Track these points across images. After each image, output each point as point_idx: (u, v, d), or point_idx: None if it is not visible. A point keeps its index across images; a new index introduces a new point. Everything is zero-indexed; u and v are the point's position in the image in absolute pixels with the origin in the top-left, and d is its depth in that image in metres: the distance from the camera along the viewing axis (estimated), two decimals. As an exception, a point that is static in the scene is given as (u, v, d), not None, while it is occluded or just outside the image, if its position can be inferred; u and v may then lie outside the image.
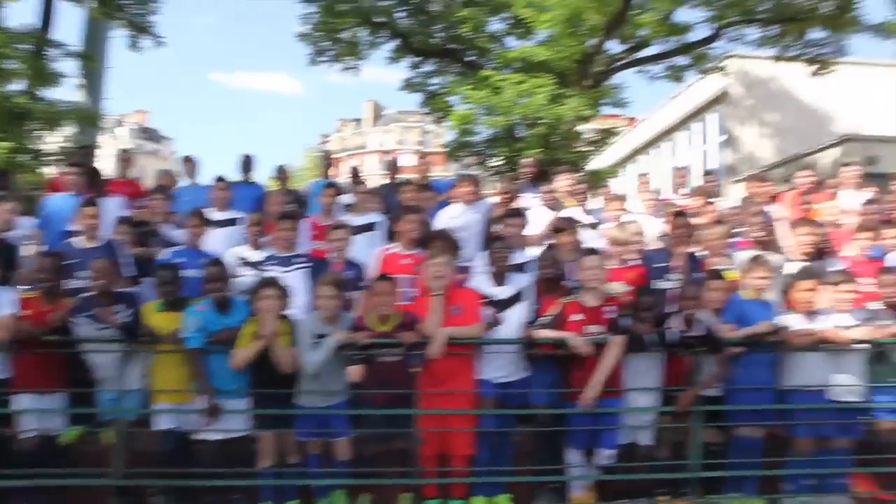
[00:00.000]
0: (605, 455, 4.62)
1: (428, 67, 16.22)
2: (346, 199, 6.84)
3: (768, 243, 5.55)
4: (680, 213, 5.59)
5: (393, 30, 14.61)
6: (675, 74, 15.17)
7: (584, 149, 14.61)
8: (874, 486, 5.12)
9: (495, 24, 15.06)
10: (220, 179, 6.59)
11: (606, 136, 15.02)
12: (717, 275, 4.91)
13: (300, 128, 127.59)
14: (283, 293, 4.53)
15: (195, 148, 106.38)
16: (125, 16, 12.18)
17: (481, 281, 4.87)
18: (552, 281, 4.86)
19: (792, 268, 5.43)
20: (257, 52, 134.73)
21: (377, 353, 4.50)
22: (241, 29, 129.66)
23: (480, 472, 4.62)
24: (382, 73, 71.04)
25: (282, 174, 7.64)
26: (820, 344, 4.72)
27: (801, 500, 4.86)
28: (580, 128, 14.99)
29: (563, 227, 5.35)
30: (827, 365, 4.81)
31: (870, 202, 6.82)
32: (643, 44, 14.31)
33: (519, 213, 5.51)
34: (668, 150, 22.63)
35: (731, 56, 17.98)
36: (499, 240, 4.96)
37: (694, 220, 6.29)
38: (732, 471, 4.75)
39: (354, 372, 4.61)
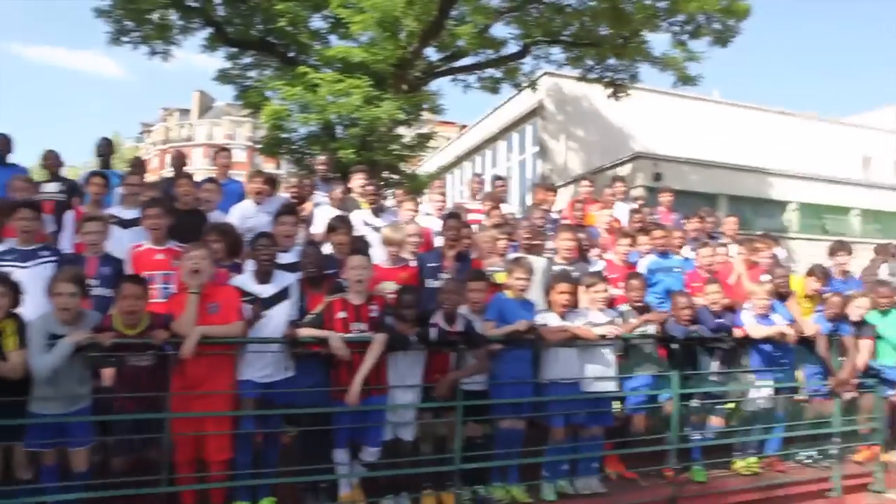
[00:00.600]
0: (370, 452, 4.62)
1: (247, 60, 15.60)
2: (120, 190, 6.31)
3: (535, 247, 5.90)
4: (451, 216, 5.78)
5: (206, 17, 13.82)
6: (492, 86, 15.82)
7: (403, 152, 14.74)
8: (622, 466, 5.67)
9: (317, 22, 14.81)
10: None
11: (425, 140, 15.28)
12: (479, 275, 5.13)
13: (118, 114, 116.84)
14: (9, 290, 4.03)
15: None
16: None
17: (244, 279, 4.69)
18: (317, 279, 4.81)
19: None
20: (69, 26, 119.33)
21: (125, 355, 4.15)
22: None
23: (241, 475, 4.44)
24: (216, 63, 67.23)
25: (49, 160, 6.87)
26: (572, 340, 5.10)
27: (559, 484, 5.23)
28: (401, 131, 15.18)
29: (336, 226, 5.32)
30: (580, 359, 5.22)
31: (634, 212, 7.57)
32: (460, 54, 14.80)
33: (290, 211, 5.38)
34: (490, 158, 23.70)
35: (546, 73, 19.30)
36: (264, 237, 4.78)
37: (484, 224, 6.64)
38: (495, 462, 4.99)
39: (107, 375, 4.24)
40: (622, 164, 17.16)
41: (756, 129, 22.13)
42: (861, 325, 6.34)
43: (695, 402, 5.71)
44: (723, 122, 21.79)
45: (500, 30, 15.22)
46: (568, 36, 14.40)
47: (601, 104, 18.76)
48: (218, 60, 35.09)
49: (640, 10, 12.68)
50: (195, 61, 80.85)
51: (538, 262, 5.62)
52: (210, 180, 6.20)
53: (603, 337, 5.16)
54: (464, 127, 29.17)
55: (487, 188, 8.41)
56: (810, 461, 6.33)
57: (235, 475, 4.39)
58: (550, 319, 5.11)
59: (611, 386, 5.31)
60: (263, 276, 4.68)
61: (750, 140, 21.30)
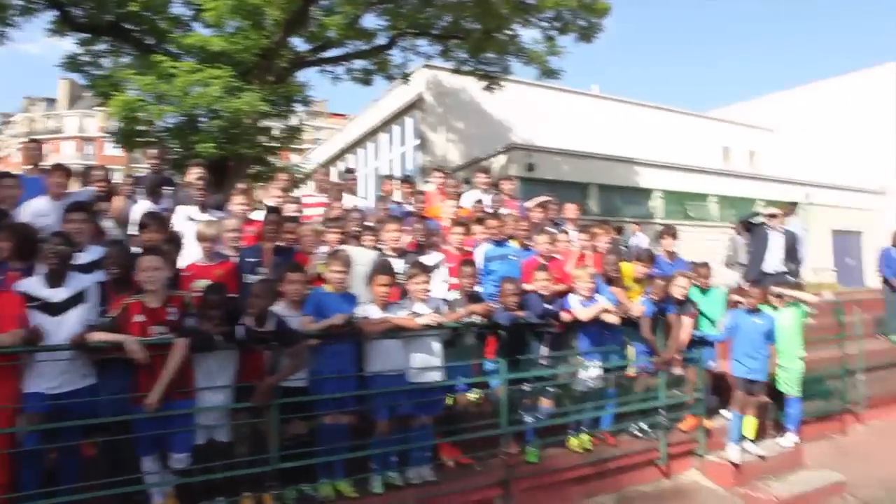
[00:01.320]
0: (178, 459, 4.40)
1: (101, 46, 14.57)
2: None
3: (361, 238, 5.85)
4: (271, 210, 5.62)
5: (47, -2, 12.78)
6: (364, 78, 15.63)
7: (272, 145, 14.31)
8: (457, 452, 5.74)
9: (179, 8, 14.04)
10: None
11: (296, 132, 14.90)
12: (296, 267, 5.01)
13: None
14: None
15: None
16: None
17: (33, 283, 4.33)
18: (121, 281, 4.52)
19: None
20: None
21: None
22: None
23: (28, 497, 4.10)
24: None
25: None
26: (394, 331, 5.09)
27: (388, 476, 5.22)
28: (271, 123, 14.74)
29: (146, 223, 5.04)
30: (405, 350, 5.22)
31: (477, 202, 7.70)
32: (329, 45, 14.51)
33: (82, 208, 5.03)
34: (372, 150, 23.54)
35: (425, 66, 19.34)
36: (55, 236, 4.42)
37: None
38: (320, 458, 4.90)
39: None
40: (497, 155, 17.52)
41: (627, 121, 23.29)
42: (684, 304, 6.76)
43: (526, 387, 5.87)
44: (598, 115, 22.77)
45: (368, 21, 15.01)
46: (435, 28, 14.43)
47: (480, 97, 19.02)
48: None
49: (504, 6, 12.89)
50: (65, 47, 75.11)
51: (366, 255, 5.57)
52: (7, 175, 5.69)
53: (428, 326, 5.18)
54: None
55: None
56: (640, 433, 6.69)
57: (19, 497, 4.04)
58: (371, 312, 5.07)
59: (438, 375, 5.33)
60: (55, 279, 4.34)
61: (621, 132, 22.40)
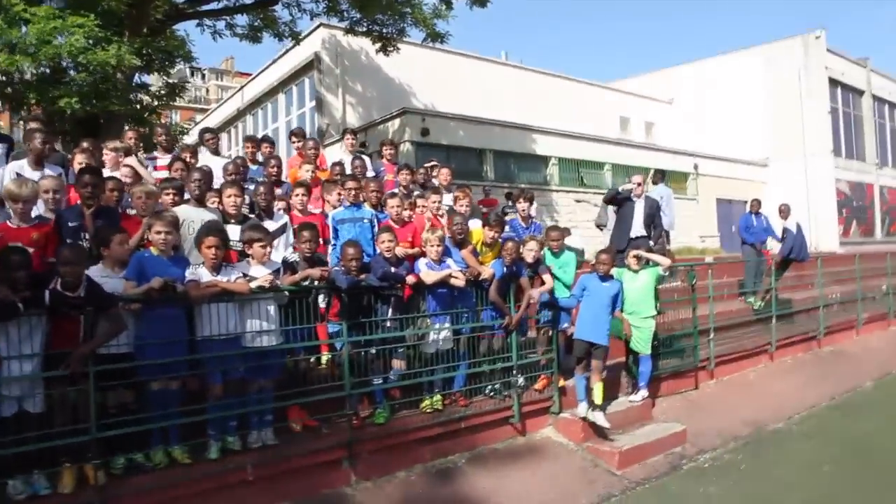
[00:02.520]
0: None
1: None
2: None
3: (201, 200, 5.67)
4: (85, 170, 5.32)
5: None
6: (252, 35, 14.96)
7: (149, 103, 13.54)
8: (303, 414, 5.74)
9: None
10: None
11: (175, 90, 14.14)
12: (118, 230, 4.80)
13: None
14: None
15: None
16: None
17: None
18: None
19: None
20: None
21: None
22: None
23: None
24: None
25: None
26: (227, 295, 4.98)
27: (228, 440, 5.16)
28: (148, 80, 13.95)
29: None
30: (239, 314, 5.12)
31: (335, 164, 7.61)
32: (206, -4, 13.79)
33: None
34: (271, 111, 22.80)
35: (321, 25, 18.77)
36: None
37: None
38: (148, 425, 4.77)
39: None
40: (391, 119, 17.34)
41: (529, 89, 23.55)
42: (536, 267, 6.97)
43: (373, 349, 5.91)
44: (500, 82, 22.88)
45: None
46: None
47: (380, 59, 18.65)
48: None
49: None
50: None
51: (201, 216, 5.40)
52: None
53: (261, 289, 5.09)
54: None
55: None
56: (495, 394, 6.90)
57: None
58: (202, 274, 4.94)
59: (274, 339, 5.27)
60: None
61: (523, 100, 22.64)
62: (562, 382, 7.39)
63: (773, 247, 12.08)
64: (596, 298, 6.98)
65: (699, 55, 31.89)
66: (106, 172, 6.00)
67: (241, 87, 25.65)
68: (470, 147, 18.09)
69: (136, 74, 13.18)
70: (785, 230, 11.53)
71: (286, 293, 5.34)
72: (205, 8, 13.92)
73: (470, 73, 22.12)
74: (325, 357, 6.09)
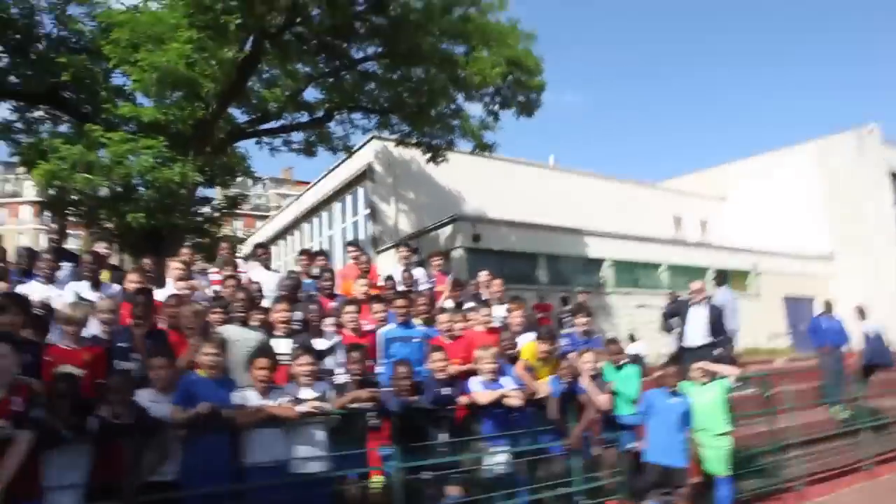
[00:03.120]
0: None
1: (38, 113, 14.44)
2: None
3: (247, 318, 5.60)
4: (139, 292, 5.34)
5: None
6: (308, 150, 15.68)
7: (210, 215, 14.11)
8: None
9: (121, 78, 14.02)
10: None
11: (236, 202, 14.74)
12: (163, 352, 4.72)
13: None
14: None
15: None
16: None
17: None
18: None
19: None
20: None
21: None
22: None
23: None
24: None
25: None
26: (273, 419, 4.78)
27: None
28: (210, 194, 14.59)
29: (4, 305, 4.71)
30: (285, 440, 4.89)
31: (388, 279, 7.52)
32: (268, 116, 14.58)
33: None
34: (326, 219, 23.43)
35: (374, 137, 19.55)
36: None
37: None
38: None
39: None
40: (443, 225, 17.51)
41: (580, 192, 23.65)
42: (595, 380, 6.55)
43: (427, 475, 5.53)
44: (550, 186, 23.07)
45: (308, 93, 15.17)
46: (368, 102, 14.65)
47: (430, 167, 19.19)
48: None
49: (434, 83, 13.20)
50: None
51: (248, 336, 5.30)
52: None
53: (309, 414, 4.87)
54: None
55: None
56: (557, 523, 6.33)
57: None
58: (249, 398, 4.77)
59: (322, 466, 4.98)
60: None
61: (574, 203, 22.67)
62: (633, 509, 6.75)
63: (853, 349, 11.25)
64: (665, 417, 6.48)
65: (751, 152, 31.55)
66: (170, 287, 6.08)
67: (298, 197, 26.60)
68: (522, 252, 18.01)
69: (198, 189, 13.79)
70: (864, 334, 10.77)
71: (335, 418, 5.10)
72: (263, 127, 14.71)
73: (520, 179, 22.41)
74: (375, 482, 5.71)
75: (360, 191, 21.02)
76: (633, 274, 20.52)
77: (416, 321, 6.61)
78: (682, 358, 7.90)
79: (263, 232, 28.34)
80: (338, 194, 22.29)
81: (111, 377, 4.33)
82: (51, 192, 12.32)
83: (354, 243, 8.58)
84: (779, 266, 24.12)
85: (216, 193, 15.65)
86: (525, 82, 13.96)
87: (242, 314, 5.54)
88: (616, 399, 6.74)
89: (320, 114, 14.81)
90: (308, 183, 32.62)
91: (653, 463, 6.45)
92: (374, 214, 19.99)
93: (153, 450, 4.29)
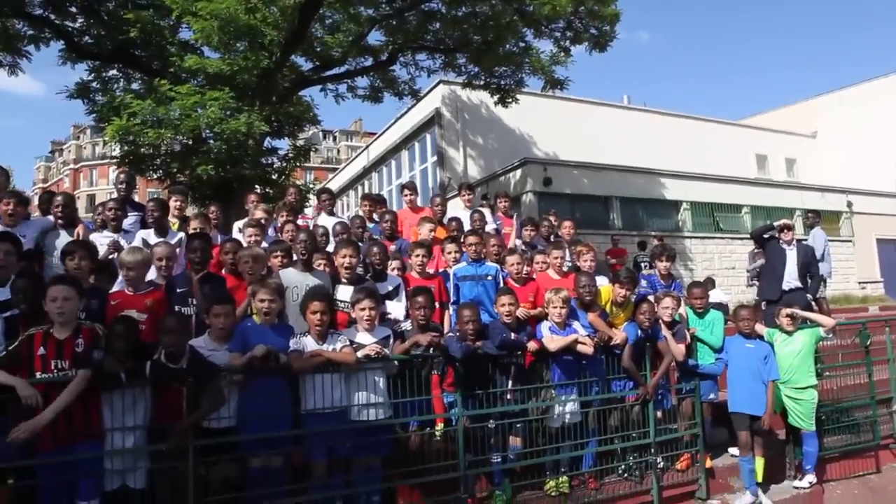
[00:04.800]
0: (85, 506, 4.05)
1: (112, 72, 14.76)
2: None
3: (307, 263, 5.47)
4: (195, 236, 5.27)
5: (54, 27, 12.96)
6: (374, 96, 15.41)
7: (283, 165, 14.18)
8: (417, 496, 5.24)
9: (186, 32, 14.09)
10: None
11: (302, 152, 14.72)
12: (222, 298, 4.65)
13: (35, 134, 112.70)
14: None
15: None
16: None
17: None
18: (33, 314, 4.22)
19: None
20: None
21: None
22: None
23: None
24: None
25: None
26: (331, 365, 4.66)
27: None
28: (281, 144, 14.64)
29: (71, 251, 4.73)
30: (345, 385, 4.77)
31: (452, 220, 7.26)
32: (332, 63, 14.34)
33: (6, 240, 4.74)
34: (395, 168, 23.32)
35: (441, 81, 19.08)
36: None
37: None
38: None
39: None
40: (513, 170, 17.02)
41: (655, 132, 22.48)
42: (675, 329, 6.14)
43: (491, 423, 5.34)
44: (624, 126, 22.03)
45: (371, 37, 14.79)
46: (428, 41, 14.12)
47: (499, 111, 18.63)
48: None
49: (502, 17, 12.53)
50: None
51: (305, 280, 5.18)
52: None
53: (368, 359, 4.73)
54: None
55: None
56: (629, 475, 6.05)
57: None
58: (307, 343, 4.65)
59: (382, 412, 4.86)
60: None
61: (649, 143, 21.60)
62: (709, 462, 6.39)
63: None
64: (743, 363, 6.03)
65: (843, 84, 29.08)
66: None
67: (367, 147, 26.57)
68: (595, 195, 17.35)
69: (267, 139, 13.83)
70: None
71: (395, 363, 4.95)
72: (328, 73, 14.50)
73: (592, 120, 21.49)
74: (438, 430, 5.58)
75: (429, 137, 20.72)
76: (713, 216, 19.47)
77: (488, 262, 6.36)
78: (773, 302, 7.32)
79: (333, 183, 28.56)
80: (406, 142, 22.07)
81: (165, 319, 4.29)
82: (125, 148, 12.58)
83: (411, 185, 8.34)
84: (873, 206, 22.31)
85: (286, 144, 15.66)
86: (598, 12, 13.08)
87: (304, 257, 5.41)
88: (698, 347, 6.32)
89: (384, 57, 14.45)
90: (374, 134, 32.64)
91: (736, 413, 6.04)
92: (442, 161, 19.69)
93: (208, 395, 4.25)
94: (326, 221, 7.46)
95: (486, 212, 8.32)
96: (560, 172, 16.93)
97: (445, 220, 7.63)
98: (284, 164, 14.32)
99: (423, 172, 21.14)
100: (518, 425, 5.46)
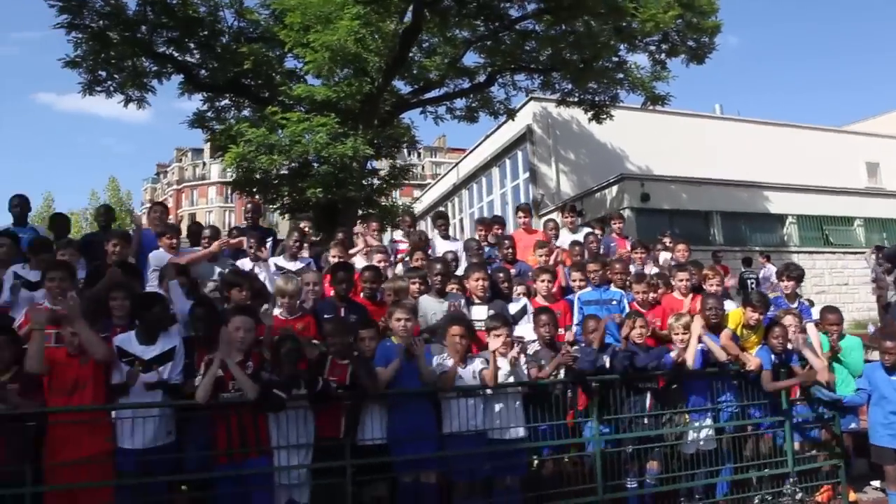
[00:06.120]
0: (258, 518, 4.34)
1: (224, 102, 15.72)
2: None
3: (441, 292, 5.66)
4: (340, 266, 5.57)
5: (176, 63, 13.95)
6: (470, 116, 15.69)
7: (382, 185, 14.64)
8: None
9: (293, 62, 14.85)
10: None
11: (402, 172, 15.14)
12: (367, 323, 4.91)
13: (142, 157, 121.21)
14: None
15: (17, 177, 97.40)
16: None
17: (126, 338, 4.48)
18: (208, 338, 4.60)
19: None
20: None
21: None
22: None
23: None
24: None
25: (57, 223, 6.90)
26: (472, 387, 4.81)
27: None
28: (380, 164, 15.10)
29: (234, 282, 5.11)
30: (485, 406, 4.91)
31: (574, 244, 7.29)
32: (430, 85, 14.71)
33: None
34: (485, 185, 23.50)
35: (532, 98, 19.16)
36: (151, 297, 4.66)
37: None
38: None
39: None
40: (608, 186, 16.85)
41: (754, 143, 21.63)
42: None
43: (629, 448, 5.33)
44: (721, 138, 21.31)
45: (468, 58, 15.09)
46: (529, 63, 14.23)
47: (591, 126, 18.47)
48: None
49: (601, 34, 12.52)
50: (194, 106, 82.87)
51: (436, 305, 5.39)
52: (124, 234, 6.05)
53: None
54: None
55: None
56: (765, 505, 5.86)
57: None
58: (448, 364, 4.83)
59: (521, 433, 4.96)
60: (148, 337, 4.50)
61: (748, 154, 20.79)
62: (852, 496, 6.10)
63: None
64: (885, 395, 5.71)
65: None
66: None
67: (457, 164, 26.91)
68: (695, 210, 16.90)
69: (368, 161, 14.31)
70: None
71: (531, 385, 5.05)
72: (427, 96, 14.88)
73: (685, 132, 20.89)
74: (573, 455, 5.59)
75: (520, 154, 20.80)
76: (821, 230, 18.52)
77: (612, 287, 6.40)
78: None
79: (423, 200, 29.06)
80: (496, 159, 22.23)
81: (327, 324, 4.67)
82: (240, 173, 13.33)
83: (525, 208, 8.44)
84: None
85: (381, 164, 16.12)
86: (698, 25, 12.85)
87: (439, 287, 5.63)
88: (836, 372, 6.07)
89: (482, 78, 14.71)
90: (462, 150, 32.88)
91: (875, 445, 5.74)
92: (534, 177, 19.72)
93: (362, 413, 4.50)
94: (441, 245, 7.68)
95: (598, 234, 8.31)
96: (658, 187, 16.60)
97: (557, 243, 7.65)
98: (384, 185, 14.76)
99: (514, 189, 21.20)
100: (655, 450, 5.42)
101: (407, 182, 18.95)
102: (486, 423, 4.88)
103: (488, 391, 4.84)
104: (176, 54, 14.41)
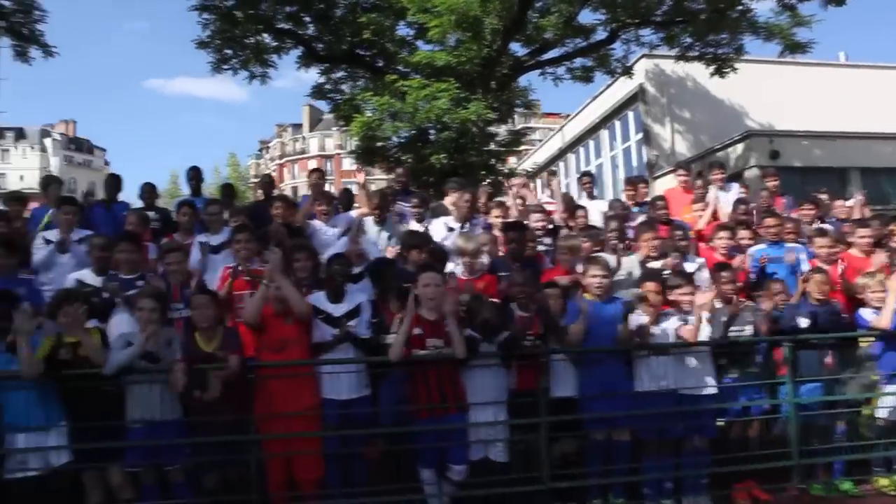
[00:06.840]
0: (456, 471, 4.45)
1: (339, 73, 16.05)
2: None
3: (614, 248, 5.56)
4: (511, 226, 5.55)
5: (296, 37, 14.32)
6: (585, 76, 15.26)
7: (500, 151, 14.57)
8: (750, 482, 5.05)
9: (404, 29, 14.93)
10: (66, 202, 6.14)
11: (519, 137, 15.01)
12: (549, 283, 4.91)
13: (243, 134, 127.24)
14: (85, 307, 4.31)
15: (129, 158, 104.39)
16: (6, 23, 11.65)
17: (318, 297, 4.69)
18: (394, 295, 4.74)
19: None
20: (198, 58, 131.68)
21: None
22: (180, 33, 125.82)
23: (331, 494, 4.46)
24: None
25: (146, 193, 7.32)
26: (668, 344, 4.72)
27: (663, 502, 4.84)
28: (495, 129, 15.00)
29: (413, 243, 5.22)
30: (675, 365, 4.80)
31: (739, 202, 6.97)
32: (547, 46, 14.39)
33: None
34: (593, 148, 22.91)
35: (644, 56, 18.37)
36: (337, 258, 4.81)
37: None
38: (585, 480, 4.68)
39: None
40: (733, 144, 15.97)
41: (889, 91, 19.85)
42: None
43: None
44: (851, 87, 19.66)
45: (585, 16, 14.61)
46: (657, 15, 13.58)
47: (708, 82, 17.53)
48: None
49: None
50: (305, 77, 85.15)
51: (624, 261, 5.29)
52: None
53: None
54: (567, 116, 28.49)
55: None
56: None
57: (327, 494, 4.43)
58: (643, 321, 4.74)
59: (711, 392, 4.85)
60: (336, 295, 4.68)
61: (883, 104, 19.14)
62: None
63: None
64: None
65: None
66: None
67: (561, 127, 26.37)
68: (830, 167, 15.76)
69: (487, 126, 14.25)
70: None
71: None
72: (545, 57, 14.58)
73: (810, 83, 19.26)
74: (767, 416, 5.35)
75: (631, 115, 20.06)
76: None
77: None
78: None
79: (527, 164, 28.62)
80: (605, 121, 21.55)
81: (514, 277, 4.70)
82: (360, 142, 13.61)
83: (685, 166, 8.15)
84: None
85: (497, 129, 16.03)
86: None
87: (614, 243, 5.54)
88: None
89: (602, 36, 14.26)
90: (555, 115, 32.11)
91: None
92: (647, 138, 19.00)
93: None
94: (588, 205, 7.52)
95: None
96: (787, 143, 15.55)
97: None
98: (503, 150, 14.68)
99: (625, 151, 20.52)
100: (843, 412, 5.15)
101: (524, 146, 18.73)
102: (678, 382, 4.77)
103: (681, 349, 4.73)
104: (295, 29, 14.81)
